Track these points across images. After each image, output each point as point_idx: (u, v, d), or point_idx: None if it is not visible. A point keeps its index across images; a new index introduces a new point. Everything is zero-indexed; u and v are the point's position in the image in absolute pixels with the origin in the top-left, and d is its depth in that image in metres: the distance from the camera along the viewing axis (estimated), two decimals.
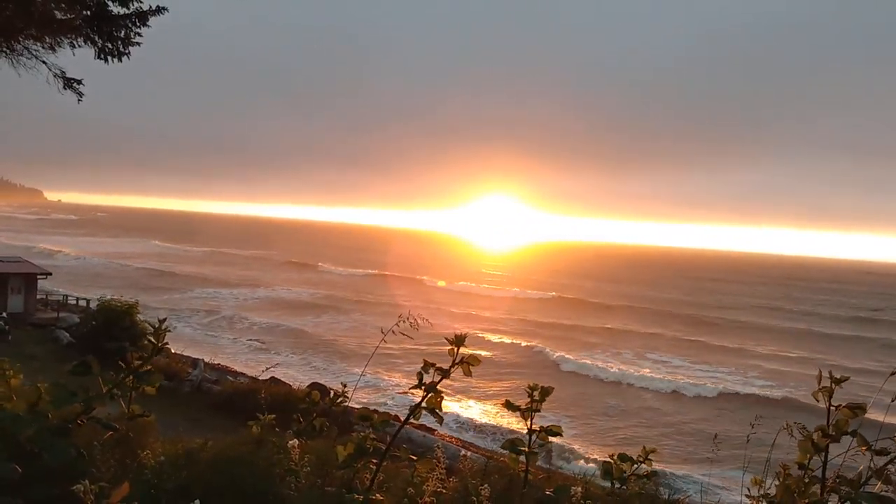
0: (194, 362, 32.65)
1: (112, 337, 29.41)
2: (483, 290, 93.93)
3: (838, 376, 2.67)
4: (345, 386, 3.91)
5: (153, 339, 3.17)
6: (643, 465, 3.28)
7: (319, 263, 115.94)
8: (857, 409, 2.65)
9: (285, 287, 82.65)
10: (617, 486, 3.27)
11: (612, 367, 47.56)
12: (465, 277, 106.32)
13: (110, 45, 11.63)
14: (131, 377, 3.21)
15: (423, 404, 2.95)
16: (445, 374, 2.92)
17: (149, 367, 3.18)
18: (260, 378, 25.80)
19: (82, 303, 47.39)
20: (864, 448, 2.61)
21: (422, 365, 3.00)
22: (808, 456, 2.70)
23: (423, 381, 2.94)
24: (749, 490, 3.10)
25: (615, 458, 3.34)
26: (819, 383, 2.70)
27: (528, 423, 3.06)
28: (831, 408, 2.67)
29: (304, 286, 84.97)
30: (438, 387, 3.01)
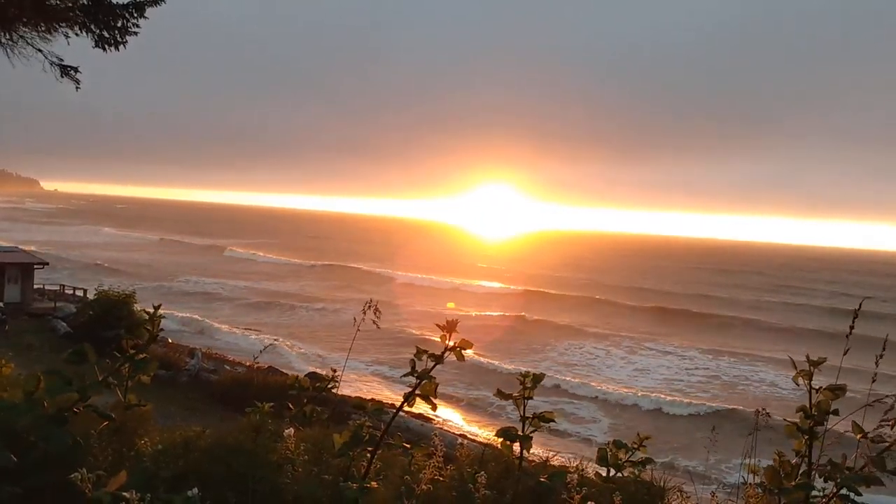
0: (192, 352, 32.70)
1: (109, 326, 29.43)
2: (438, 283, 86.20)
3: (815, 359, 2.71)
4: (334, 371, 3.94)
5: (148, 328, 3.18)
6: (638, 452, 3.30)
7: (257, 252, 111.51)
8: (838, 389, 2.68)
9: (191, 277, 77.14)
10: (612, 472, 3.30)
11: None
12: (434, 269, 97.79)
13: (107, 34, 11.60)
14: (127, 366, 3.21)
15: (418, 391, 2.96)
16: (439, 359, 2.93)
17: (144, 355, 3.18)
18: (257, 366, 25.90)
19: (79, 293, 47.39)
20: (859, 435, 2.64)
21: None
22: (802, 442, 2.73)
23: (416, 369, 2.95)
24: (744, 477, 3.12)
25: (611, 444, 3.36)
26: (796, 367, 2.75)
27: (521, 410, 3.07)
28: (812, 391, 2.70)
29: (221, 277, 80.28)
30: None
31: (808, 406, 2.73)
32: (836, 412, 2.72)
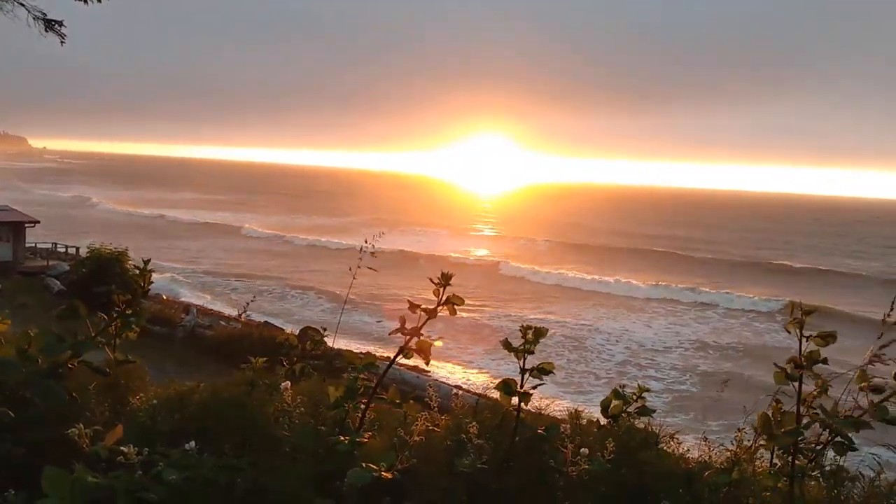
0: (187, 308, 32.79)
1: (102, 283, 29.38)
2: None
3: (807, 307, 2.73)
4: (324, 329, 4.01)
5: (140, 282, 3.14)
6: (636, 403, 3.36)
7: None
8: (828, 336, 2.70)
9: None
10: (610, 422, 3.34)
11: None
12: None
13: None
14: (116, 323, 3.19)
15: (413, 345, 2.96)
16: (432, 314, 2.93)
17: (136, 309, 3.16)
18: (248, 321, 26.01)
19: (72, 251, 47.23)
20: (864, 385, 2.66)
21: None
22: (816, 393, 2.75)
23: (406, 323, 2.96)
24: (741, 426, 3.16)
25: (611, 395, 3.42)
26: (791, 314, 2.75)
27: (522, 362, 3.08)
28: (803, 339, 2.72)
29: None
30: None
31: (798, 355, 2.74)
32: (825, 361, 2.73)
